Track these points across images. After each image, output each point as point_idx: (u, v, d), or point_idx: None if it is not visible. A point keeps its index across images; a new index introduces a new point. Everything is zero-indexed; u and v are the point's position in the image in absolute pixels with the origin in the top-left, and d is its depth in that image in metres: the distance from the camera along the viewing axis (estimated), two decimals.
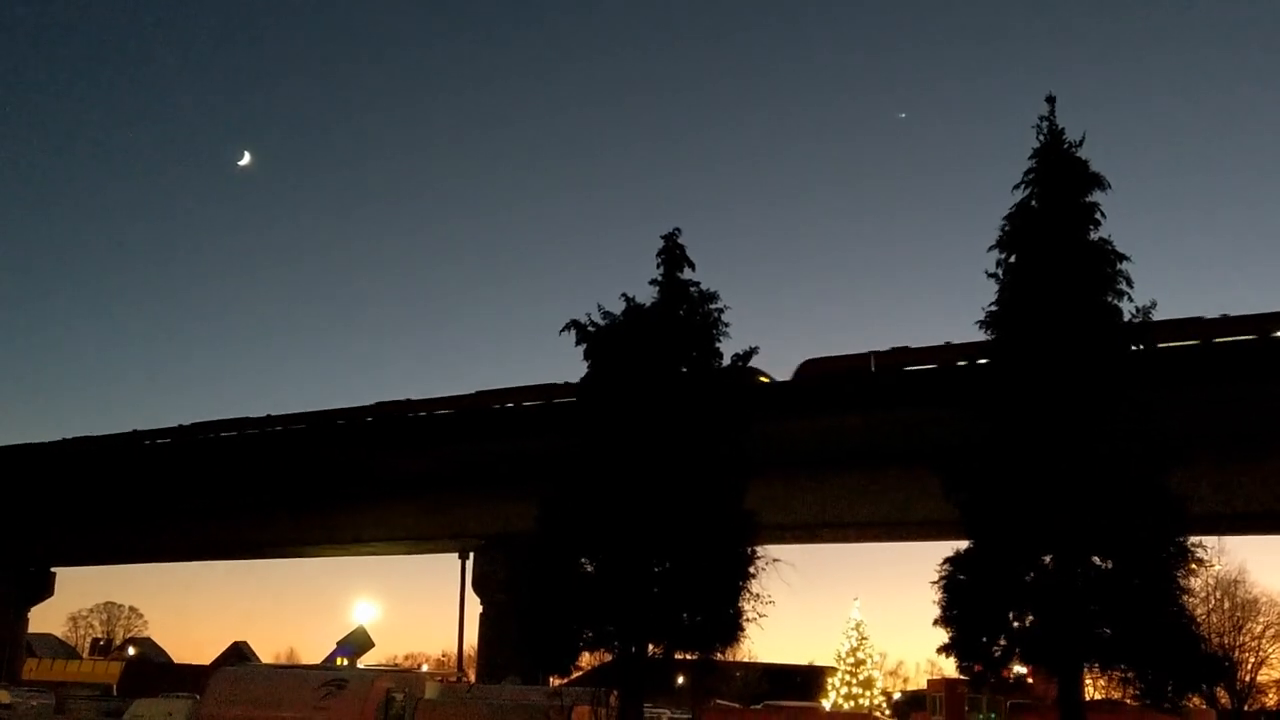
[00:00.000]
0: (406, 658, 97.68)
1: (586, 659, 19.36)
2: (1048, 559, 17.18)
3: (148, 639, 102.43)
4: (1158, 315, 17.92)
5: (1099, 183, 18.58)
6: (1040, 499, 16.81)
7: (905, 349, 36.25)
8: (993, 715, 31.33)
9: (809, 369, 38.65)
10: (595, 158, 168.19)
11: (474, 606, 41.87)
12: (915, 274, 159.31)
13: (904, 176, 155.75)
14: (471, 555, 40.71)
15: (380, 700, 20.71)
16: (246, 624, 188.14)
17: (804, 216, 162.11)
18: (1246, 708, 44.01)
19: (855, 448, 35.38)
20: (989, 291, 18.73)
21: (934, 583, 17.86)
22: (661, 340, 19.45)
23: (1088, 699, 17.72)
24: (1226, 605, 44.69)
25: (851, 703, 50.61)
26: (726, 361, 19.94)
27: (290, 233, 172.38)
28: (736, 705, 47.80)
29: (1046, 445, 16.96)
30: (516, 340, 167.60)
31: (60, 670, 71.83)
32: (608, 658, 19.04)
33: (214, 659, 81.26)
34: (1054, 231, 18.20)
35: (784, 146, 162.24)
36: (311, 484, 45.65)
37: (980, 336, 19.09)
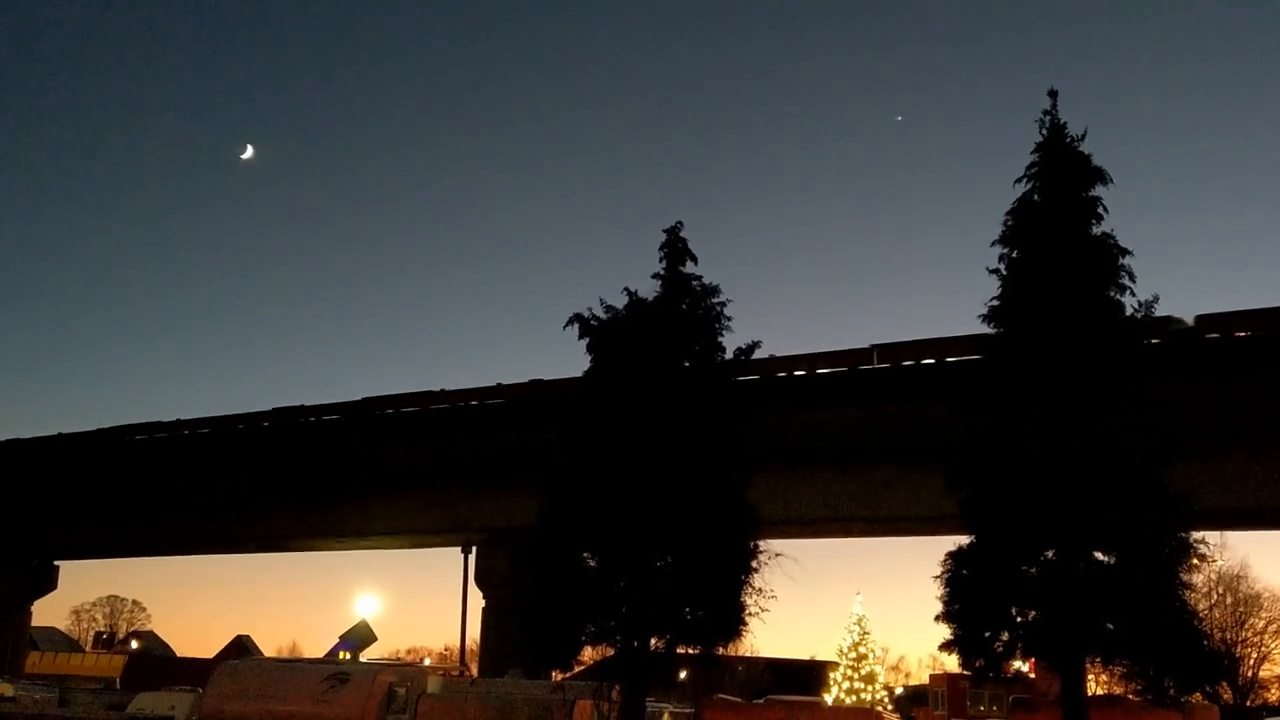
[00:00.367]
0: (409, 652, 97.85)
1: (589, 653, 19.43)
2: (1050, 554, 17.15)
3: (151, 633, 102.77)
4: (1159, 311, 17.90)
5: (1101, 177, 18.55)
6: (1043, 493, 16.78)
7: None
8: (994, 709, 31.33)
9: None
10: (600, 155, 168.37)
11: (476, 601, 41.84)
12: (916, 271, 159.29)
13: (905, 173, 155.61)
14: (474, 549, 40.63)
15: (383, 694, 20.80)
16: (249, 618, 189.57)
17: (804, 214, 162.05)
18: (1249, 703, 44.01)
19: (857, 442, 35.36)
20: (990, 288, 18.80)
21: (936, 578, 17.89)
22: (664, 334, 19.45)
23: (1090, 694, 17.73)
24: (1229, 600, 44.72)
25: (853, 697, 50.76)
26: (729, 355, 19.95)
27: (293, 226, 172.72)
28: (739, 699, 47.80)
29: (1049, 439, 16.93)
30: (520, 334, 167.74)
31: (63, 664, 71.86)
32: (610, 652, 19.08)
33: (217, 653, 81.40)
34: (1056, 226, 18.18)
35: (786, 143, 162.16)
36: (315, 478, 45.64)
37: (983, 331, 19.09)
